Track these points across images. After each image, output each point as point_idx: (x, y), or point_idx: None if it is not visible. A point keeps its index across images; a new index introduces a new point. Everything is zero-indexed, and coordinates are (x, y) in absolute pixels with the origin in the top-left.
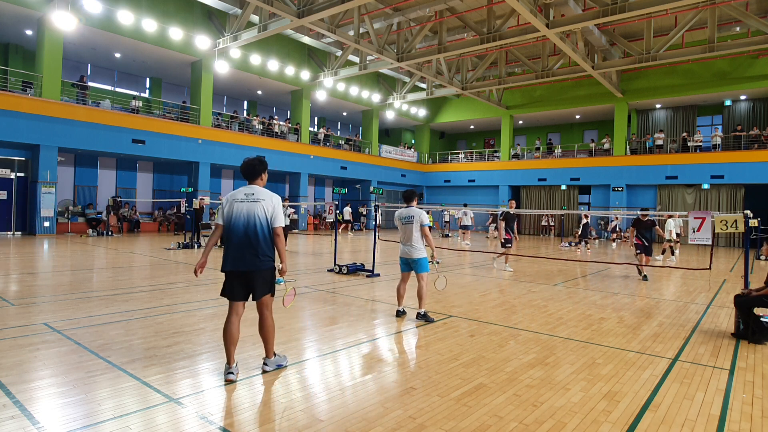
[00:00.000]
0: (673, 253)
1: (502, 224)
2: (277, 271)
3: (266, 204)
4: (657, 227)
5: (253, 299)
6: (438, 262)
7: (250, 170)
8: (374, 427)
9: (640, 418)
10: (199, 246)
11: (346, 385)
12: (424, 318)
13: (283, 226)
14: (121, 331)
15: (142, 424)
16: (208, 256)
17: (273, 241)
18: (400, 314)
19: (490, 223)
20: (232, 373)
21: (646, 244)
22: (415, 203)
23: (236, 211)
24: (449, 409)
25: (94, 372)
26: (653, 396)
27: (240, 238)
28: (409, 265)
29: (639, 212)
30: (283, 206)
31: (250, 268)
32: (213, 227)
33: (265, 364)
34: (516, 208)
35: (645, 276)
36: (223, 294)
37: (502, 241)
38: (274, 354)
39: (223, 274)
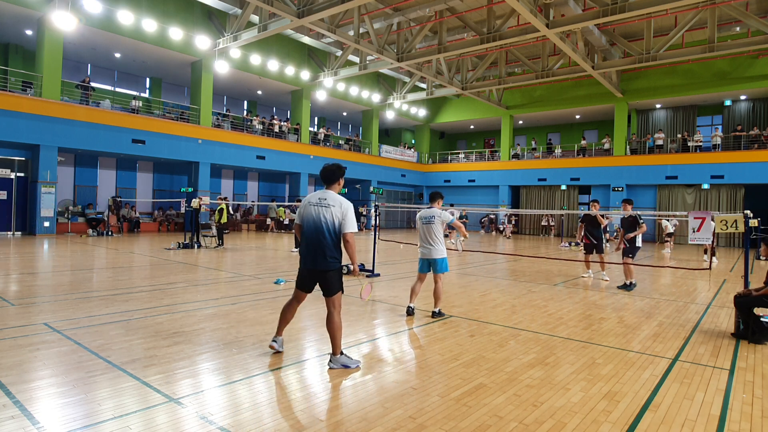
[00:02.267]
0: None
1: (582, 227)
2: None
3: (336, 210)
4: (604, 223)
5: (324, 296)
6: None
7: (329, 175)
8: (374, 427)
9: (640, 418)
10: (199, 246)
11: (346, 385)
12: (438, 315)
13: (353, 231)
14: (121, 331)
15: (142, 424)
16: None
17: (340, 243)
18: (410, 311)
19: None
20: (276, 341)
21: (595, 242)
22: (437, 204)
23: (308, 214)
24: (449, 409)
25: (94, 372)
26: (653, 396)
27: (310, 239)
28: (429, 265)
29: (592, 208)
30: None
31: (319, 268)
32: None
33: (330, 361)
34: (516, 208)
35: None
36: (297, 286)
37: (618, 242)
38: (341, 353)
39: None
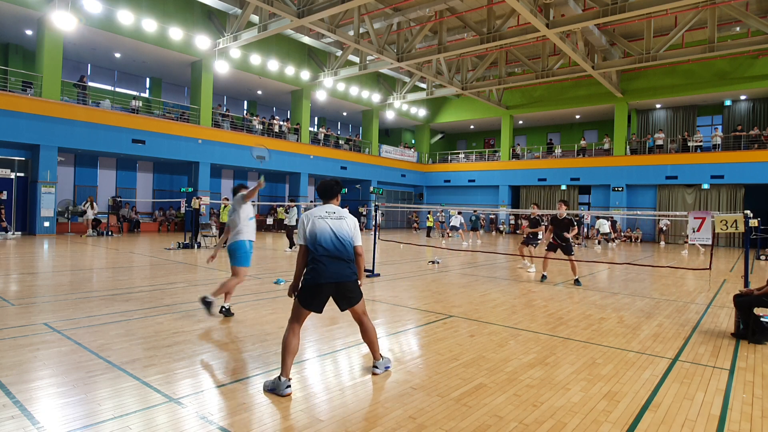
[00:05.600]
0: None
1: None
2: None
3: (349, 222)
4: (574, 227)
5: (348, 308)
6: (438, 262)
7: (328, 190)
8: (374, 427)
9: (640, 418)
10: (199, 246)
11: (346, 385)
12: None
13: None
14: (121, 331)
15: (142, 424)
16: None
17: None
18: (218, 309)
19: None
20: (290, 386)
21: (563, 243)
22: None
23: (321, 228)
24: (449, 409)
25: (94, 372)
26: (653, 396)
27: (333, 252)
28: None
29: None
30: (295, 207)
31: (341, 280)
32: (297, 247)
33: (375, 366)
34: (516, 208)
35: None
36: (306, 306)
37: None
38: (381, 356)
39: (305, 286)
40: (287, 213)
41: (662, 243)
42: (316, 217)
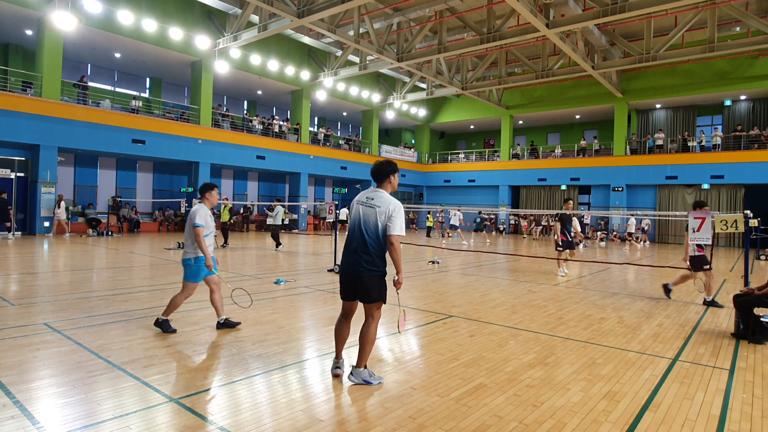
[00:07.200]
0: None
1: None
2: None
3: (380, 211)
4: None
5: (362, 302)
6: (438, 262)
7: (376, 171)
8: (374, 427)
9: (640, 418)
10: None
11: (346, 385)
12: (224, 325)
13: (400, 234)
14: (121, 331)
15: (142, 424)
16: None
17: (383, 249)
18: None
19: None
20: (339, 368)
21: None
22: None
23: (354, 213)
24: (449, 409)
25: (94, 372)
26: (653, 396)
27: (350, 241)
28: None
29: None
30: (279, 206)
31: (354, 273)
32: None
33: (351, 373)
34: (516, 207)
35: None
36: (340, 294)
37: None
38: (365, 367)
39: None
40: (271, 212)
41: (647, 243)
42: (356, 201)
